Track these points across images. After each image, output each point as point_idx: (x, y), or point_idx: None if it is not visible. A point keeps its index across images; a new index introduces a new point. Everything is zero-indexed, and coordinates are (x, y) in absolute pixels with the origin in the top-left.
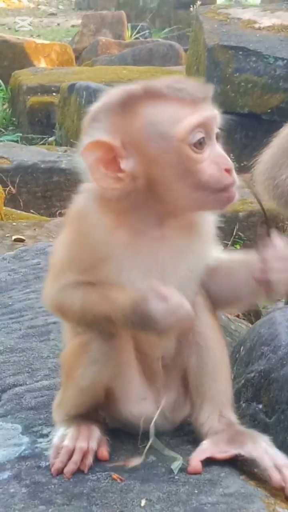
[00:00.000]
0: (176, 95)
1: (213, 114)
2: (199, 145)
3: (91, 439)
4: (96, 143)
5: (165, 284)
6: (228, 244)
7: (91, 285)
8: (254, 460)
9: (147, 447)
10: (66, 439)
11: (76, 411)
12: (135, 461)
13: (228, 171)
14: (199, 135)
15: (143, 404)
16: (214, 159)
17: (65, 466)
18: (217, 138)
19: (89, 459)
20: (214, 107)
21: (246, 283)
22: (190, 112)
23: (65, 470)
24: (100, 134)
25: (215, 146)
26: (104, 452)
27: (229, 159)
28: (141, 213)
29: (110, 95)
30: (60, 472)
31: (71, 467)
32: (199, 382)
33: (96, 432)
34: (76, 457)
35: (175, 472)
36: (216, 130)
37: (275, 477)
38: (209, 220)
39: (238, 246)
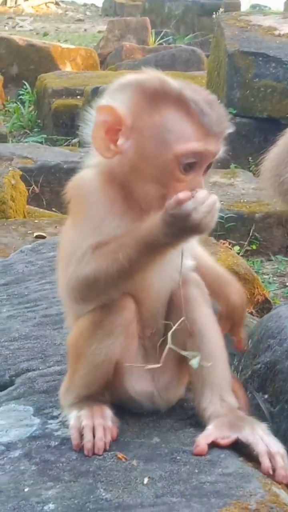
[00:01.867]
0: (198, 117)
1: (215, 150)
2: (188, 167)
3: (106, 418)
4: (111, 109)
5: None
6: (244, 244)
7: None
8: (250, 445)
9: (165, 351)
10: (84, 419)
11: (87, 391)
12: (154, 364)
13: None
14: (192, 160)
15: (143, 381)
16: (191, 185)
17: (91, 443)
18: (208, 168)
19: (108, 436)
20: (221, 144)
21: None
22: (198, 138)
23: (96, 449)
24: (119, 104)
25: (200, 176)
26: (114, 432)
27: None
28: (129, 194)
29: (148, 78)
30: (91, 452)
31: (99, 444)
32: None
33: (108, 411)
34: (100, 433)
35: (196, 366)
36: (209, 162)
37: (265, 463)
38: None
39: (254, 247)
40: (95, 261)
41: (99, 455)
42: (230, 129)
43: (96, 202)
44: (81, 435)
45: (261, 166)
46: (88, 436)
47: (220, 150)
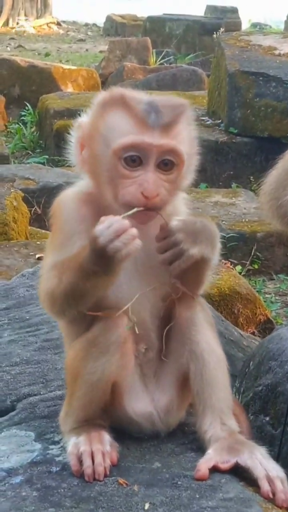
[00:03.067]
0: (135, 111)
1: (157, 142)
2: (131, 162)
3: (104, 443)
4: (79, 125)
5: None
6: (246, 263)
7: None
8: (249, 469)
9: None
10: (82, 445)
11: (85, 413)
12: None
13: (146, 197)
14: (132, 153)
15: (142, 402)
16: (140, 181)
17: (91, 469)
18: (168, 166)
19: (107, 461)
20: (169, 137)
21: None
22: (135, 131)
23: (96, 474)
24: (85, 119)
25: (149, 171)
26: (114, 457)
27: (155, 187)
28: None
29: (107, 92)
30: (92, 477)
31: (99, 469)
32: (199, 389)
33: (106, 436)
34: (99, 458)
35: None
36: (159, 157)
37: (264, 488)
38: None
39: (256, 266)
40: (50, 280)
41: (100, 481)
42: (176, 122)
43: (66, 221)
44: (80, 461)
45: (260, 189)
46: (87, 462)
47: (168, 143)
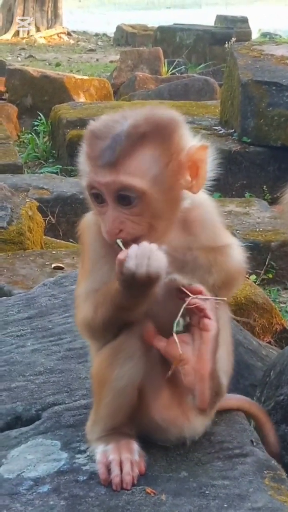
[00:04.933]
0: (87, 151)
1: (106, 180)
2: (96, 199)
3: (133, 452)
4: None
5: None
6: (260, 273)
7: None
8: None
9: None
10: (111, 454)
11: (112, 421)
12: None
13: (108, 234)
14: (94, 191)
15: (169, 408)
16: (105, 219)
17: (119, 478)
18: (126, 200)
19: (135, 470)
20: (118, 173)
21: None
22: (90, 171)
23: (124, 484)
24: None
25: (109, 209)
26: (142, 466)
27: (114, 225)
28: None
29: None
30: (120, 486)
31: (127, 478)
32: None
33: (135, 445)
34: (127, 467)
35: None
36: (114, 194)
37: None
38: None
39: (270, 275)
40: (85, 310)
41: (128, 490)
42: (132, 155)
43: (91, 245)
44: (109, 470)
45: (281, 199)
46: (115, 470)
47: (114, 180)
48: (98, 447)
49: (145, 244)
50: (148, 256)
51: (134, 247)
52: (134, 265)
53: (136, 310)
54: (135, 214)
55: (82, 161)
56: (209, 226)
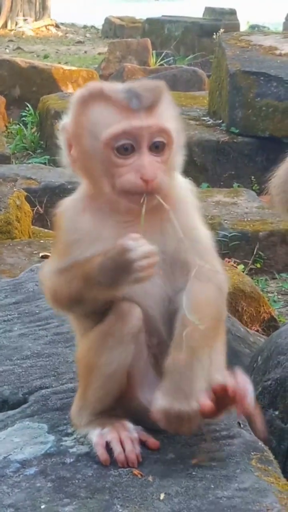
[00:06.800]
0: (116, 99)
1: (144, 124)
2: (124, 150)
3: (130, 430)
4: (63, 127)
5: None
6: (248, 262)
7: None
8: None
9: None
10: (108, 434)
11: (101, 405)
12: None
13: (145, 181)
14: (124, 142)
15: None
16: (136, 167)
17: (123, 455)
18: (159, 148)
19: (137, 448)
20: (156, 117)
21: None
22: (120, 119)
23: (130, 463)
24: (67, 119)
25: (143, 155)
26: (152, 440)
27: (152, 170)
28: (104, 200)
29: (83, 88)
30: (126, 463)
31: (132, 456)
32: None
33: (129, 424)
34: (129, 445)
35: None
36: (150, 140)
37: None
38: (188, 207)
39: (258, 265)
40: (54, 282)
41: (135, 468)
42: (157, 102)
43: (65, 229)
44: (109, 450)
45: (269, 183)
46: (118, 448)
47: (156, 122)
48: (93, 430)
49: (150, 245)
50: (151, 256)
51: (142, 241)
52: (138, 258)
53: (113, 291)
54: (163, 162)
55: (98, 115)
56: (183, 205)
